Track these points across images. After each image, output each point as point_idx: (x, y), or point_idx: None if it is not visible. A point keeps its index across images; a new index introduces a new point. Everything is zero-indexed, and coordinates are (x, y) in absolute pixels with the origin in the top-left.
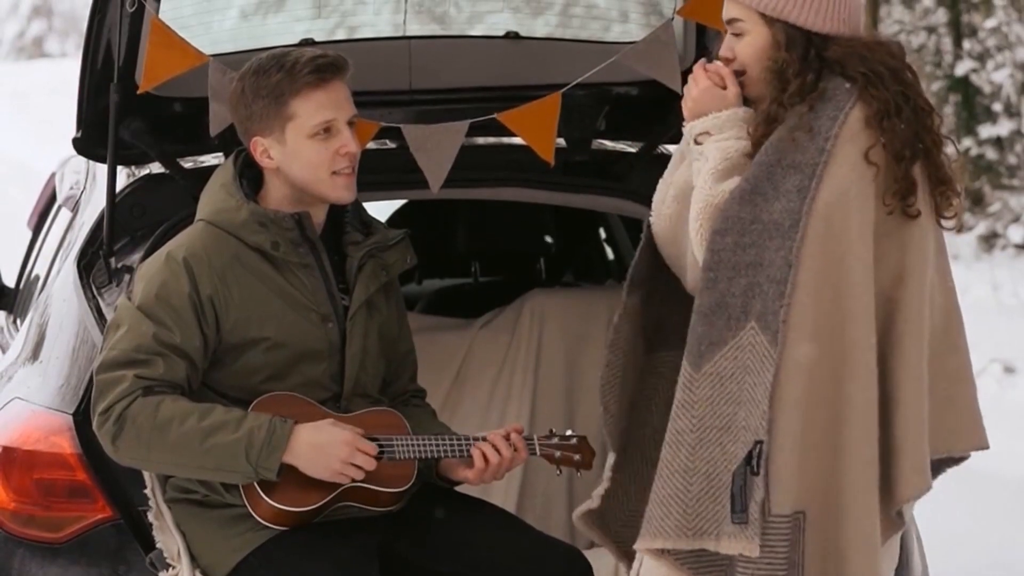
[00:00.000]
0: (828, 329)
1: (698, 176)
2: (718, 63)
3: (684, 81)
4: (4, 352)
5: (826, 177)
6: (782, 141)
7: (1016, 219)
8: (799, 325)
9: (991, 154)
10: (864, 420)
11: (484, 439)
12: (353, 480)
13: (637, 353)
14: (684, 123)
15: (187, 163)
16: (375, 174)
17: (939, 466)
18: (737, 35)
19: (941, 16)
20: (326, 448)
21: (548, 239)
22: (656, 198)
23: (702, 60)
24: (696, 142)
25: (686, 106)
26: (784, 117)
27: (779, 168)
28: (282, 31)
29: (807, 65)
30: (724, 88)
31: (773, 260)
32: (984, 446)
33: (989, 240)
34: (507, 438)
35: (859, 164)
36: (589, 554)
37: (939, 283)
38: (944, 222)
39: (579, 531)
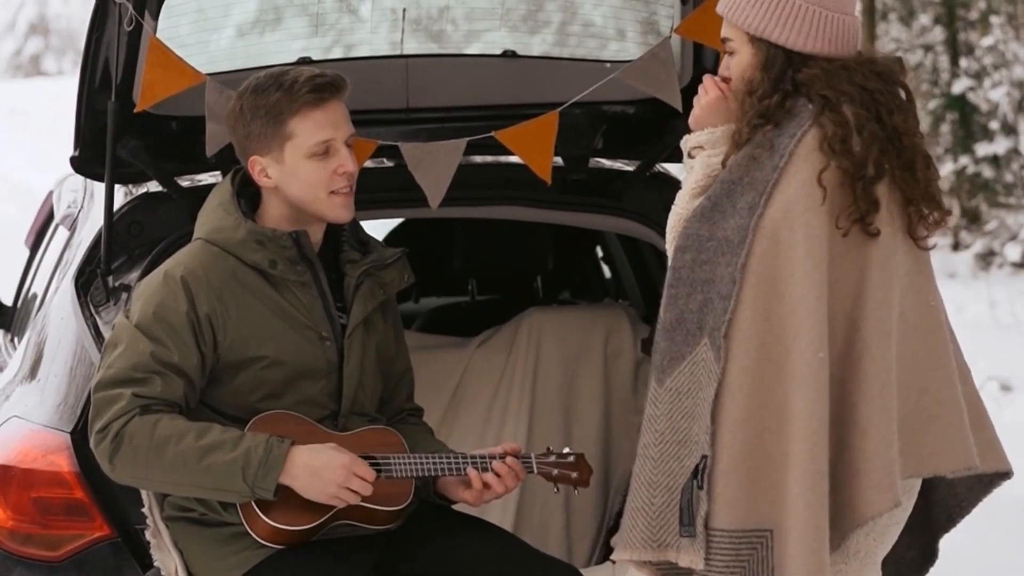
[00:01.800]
0: (773, 345)
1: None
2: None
3: (684, 98)
4: (2, 370)
5: (775, 194)
6: (744, 158)
7: (1013, 237)
8: (743, 341)
9: (988, 172)
10: (809, 438)
11: (482, 458)
12: (348, 504)
13: None
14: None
15: (184, 182)
16: (372, 192)
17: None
18: (730, 54)
19: (938, 34)
20: (323, 471)
21: (545, 257)
22: (669, 224)
23: (709, 74)
24: (690, 155)
25: (691, 117)
26: (750, 137)
27: (739, 186)
28: (279, 49)
29: (778, 85)
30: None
31: (723, 276)
32: (972, 466)
33: (986, 258)
34: (504, 460)
35: (809, 183)
36: (586, 572)
37: (915, 302)
38: (919, 241)
39: (576, 549)
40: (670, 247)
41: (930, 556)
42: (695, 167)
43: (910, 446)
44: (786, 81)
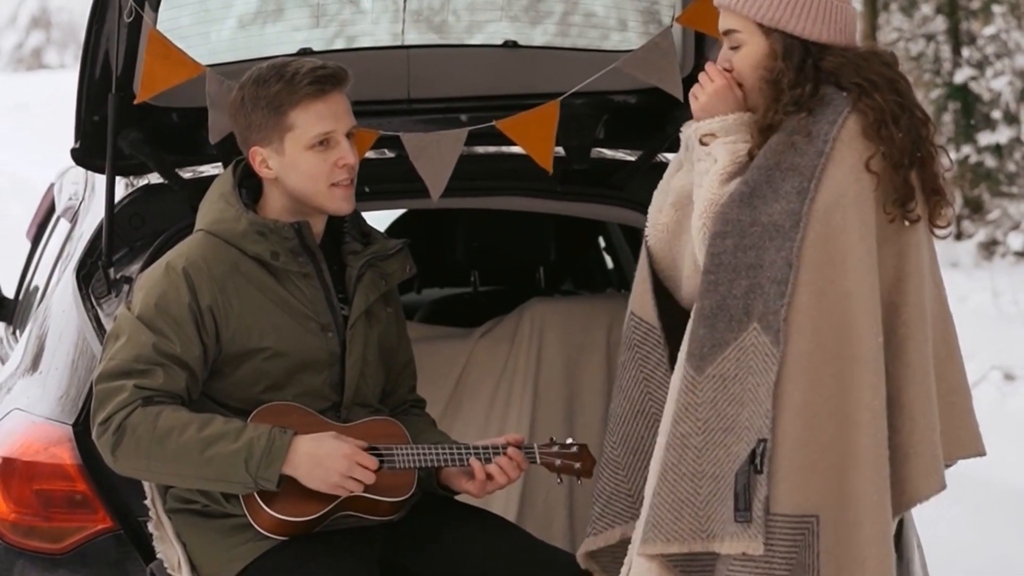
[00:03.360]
0: (833, 329)
1: (704, 176)
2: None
3: (685, 88)
4: (3, 363)
5: (824, 179)
6: (780, 145)
7: (1016, 226)
8: (801, 325)
9: (990, 162)
10: (874, 422)
11: (485, 449)
12: (352, 493)
13: None
14: (682, 129)
15: (186, 173)
16: (374, 183)
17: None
18: (734, 47)
19: (940, 24)
20: (325, 460)
21: (548, 248)
22: (651, 209)
23: (711, 62)
24: (701, 142)
25: (696, 104)
26: (780, 125)
27: (778, 171)
28: (280, 40)
29: (803, 75)
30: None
31: (774, 261)
32: (981, 452)
33: (989, 247)
34: (506, 451)
35: (857, 169)
36: None
37: (934, 290)
38: (937, 231)
39: (579, 540)
40: (699, 234)
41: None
42: (715, 154)
43: None
44: (809, 69)
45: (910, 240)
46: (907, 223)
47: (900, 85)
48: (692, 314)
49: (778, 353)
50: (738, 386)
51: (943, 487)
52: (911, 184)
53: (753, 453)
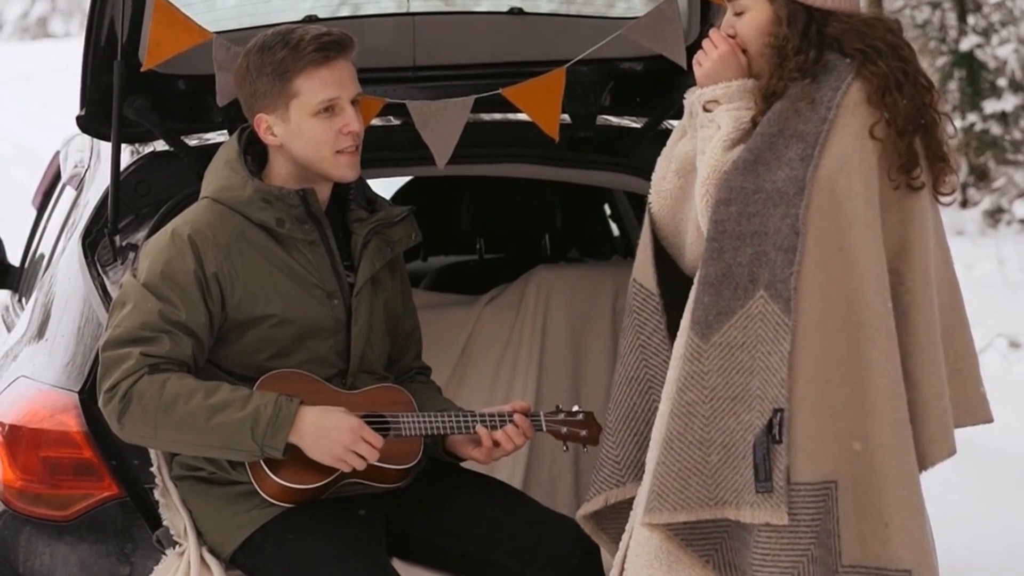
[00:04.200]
0: (841, 295)
1: (707, 143)
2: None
3: (690, 55)
4: (9, 331)
5: (828, 145)
6: (784, 111)
7: (1021, 194)
8: (810, 292)
9: (996, 129)
10: (890, 384)
11: (491, 416)
12: (354, 469)
13: None
14: (686, 95)
15: (191, 140)
16: (380, 151)
17: None
18: (738, 13)
19: None
20: (331, 432)
21: (553, 215)
22: (655, 176)
23: (715, 28)
24: (705, 109)
25: (699, 71)
26: (784, 91)
27: (781, 138)
28: (285, 8)
29: (807, 41)
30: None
31: (779, 228)
32: (989, 419)
33: (994, 215)
34: (512, 419)
35: (861, 135)
36: None
37: (941, 257)
38: (941, 198)
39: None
40: (702, 201)
41: None
42: (719, 120)
43: None
44: (812, 36)
45: (914, 207)
46: (911, 190)
47: (904, 52)
48: (695, 281)
49: (790, 322)
50: (746, 355)
51: (952, 452)
52: (915, 151)
53: (770, 423)
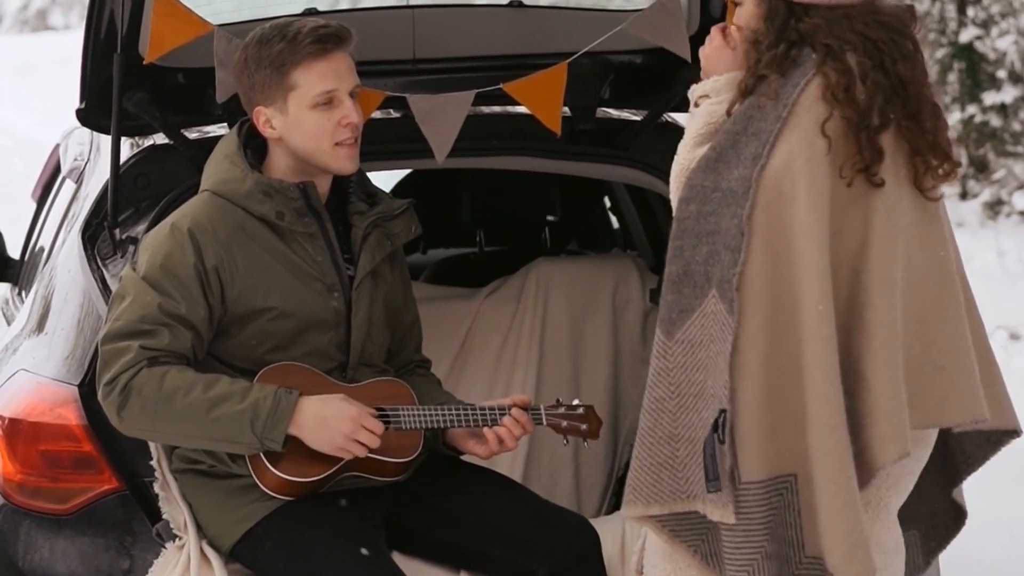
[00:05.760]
0: (785, 295)
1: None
2: (732, 28)
3: (692, 48)
4: (9, 324)
5: (778, 144)
6: (750, 108)
7: (1021, 186)
8: (756, 293)
9: (995, 121)
10: (815, 387)
11: (491, 410)
12: (356, 458)
13: None
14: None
15: (191, 133)
16: (379, 144)
17: (998, 440)
18: (738, 4)
19: None
20: (331, 422)
21: (553, 208)
22: (672, 174)
23: (721, 23)
24: (696, 104)
25: (701, 67)
26: (756, 86)
27: (744, 136)
28: (285, 1)
29: (782, 36)
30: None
31: (728, 228)
32: (980, 418)
33: (994, 207)
34: (511, 413)
35: (811, 133)
36: (595, 522)
37: (924, 253)
38: (927, 192)
39: (585, 500)
40: (674, 197)
41: (959, 514)
42: (696, 115)
43: (917, 398)
44: (789, 31)
45: (876, 204)
46: (873, 187)
47: (881, 45)
48: (663, 279)
49: (733, 322)
50: (703, 352)
51: (904, 454)
52: (878, 147)
53: (716, 423)
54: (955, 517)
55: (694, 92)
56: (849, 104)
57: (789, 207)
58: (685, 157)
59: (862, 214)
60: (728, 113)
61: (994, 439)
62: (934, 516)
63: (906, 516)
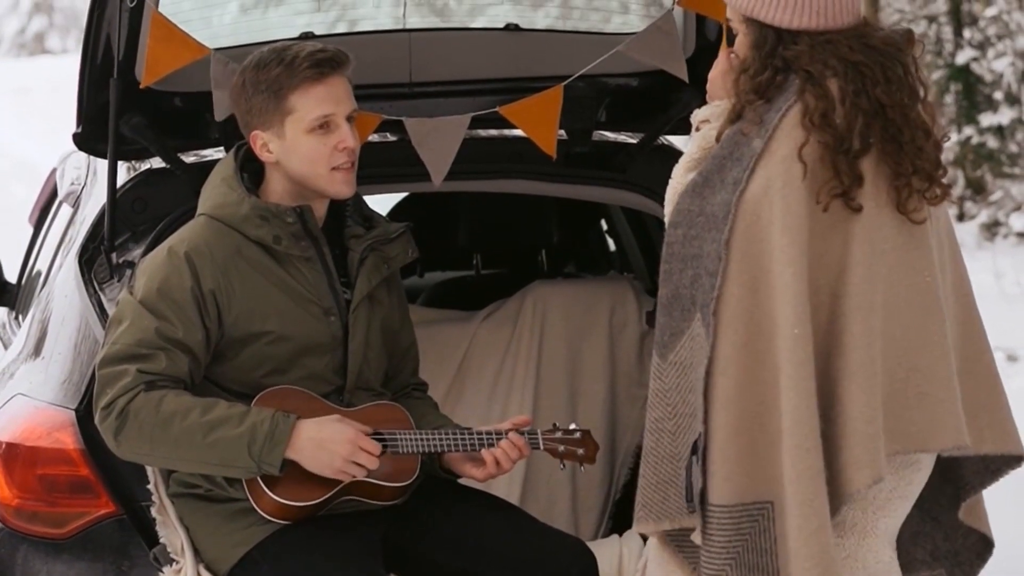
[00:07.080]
0: (762, 319)
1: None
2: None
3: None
4: (6, 348)
5: (758, 169)
6: (735, 133)
7: (1018, 207)
8: (732, 317)
9: (992, 142)
10: (791, 411)
11: (488, 434)
12: (355, 478)
13: None
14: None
15: (188, 157)
16: (376, 167)
17: (998, 468)
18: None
19: (941, 5)
20: (328, 444)
21: (550, 231)
22: (666, 198)
23: (730, 48)
24: (697, 128)
25: (707, 91)
26: (744, 113)
27: (729, 161)
28: (282, 24)
29: (768, 63)
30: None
31: (710, 252)
32: (962, 445)
33: (991, 228)
34: (508, 437)
35: (789, 159)
36: (592, 546)
37: (908, 278)
38: (911, 215)
39: (582, 523)
40: (666, 221)
41: (985, 544)
42: (693, 140)
43: (899, 423)
44: (776, 58)
45: (855, 229)
46: (852, 212)
47: (864, 68)
48: (656, 301)
49: (708, 346)
50: (693, 374)
51: (877, 479)
52: (857, 171)
53: (695, 445)
54: (980, 550)
55: (696, 117)
56: (826, 129)
57: (766, 232)
58: (678, 181)
59: (842, 239)
60: (717, 139)
61: (993, 468)
62: (957, 554)
63: (931, 554)
